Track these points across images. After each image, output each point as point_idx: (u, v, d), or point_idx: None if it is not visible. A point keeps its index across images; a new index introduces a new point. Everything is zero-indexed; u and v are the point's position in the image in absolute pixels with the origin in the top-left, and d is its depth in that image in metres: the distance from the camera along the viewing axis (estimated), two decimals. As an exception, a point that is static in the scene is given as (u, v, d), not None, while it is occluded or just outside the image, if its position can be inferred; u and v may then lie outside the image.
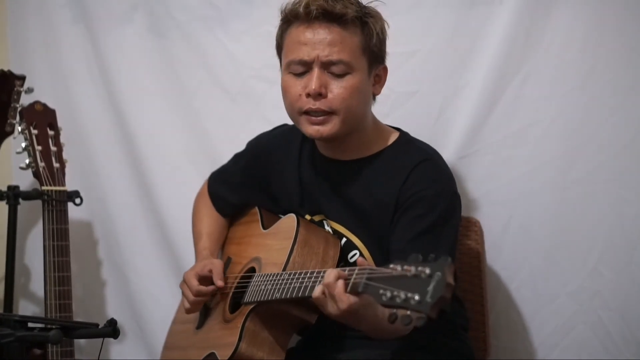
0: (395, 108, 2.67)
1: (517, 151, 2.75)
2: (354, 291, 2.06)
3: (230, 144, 3.06)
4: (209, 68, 3.25)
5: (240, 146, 2.84)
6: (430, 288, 1.84)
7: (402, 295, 1.87)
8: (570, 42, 2.66)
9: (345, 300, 2.08)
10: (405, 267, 1.90)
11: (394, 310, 1.89)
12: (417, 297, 1.85)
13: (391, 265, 1.93)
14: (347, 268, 2.12)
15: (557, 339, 2.72)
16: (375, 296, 1.93)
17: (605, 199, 2.64)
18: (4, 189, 3.15)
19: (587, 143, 2.66)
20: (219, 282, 2.60)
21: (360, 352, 2.48)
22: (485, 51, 2.76)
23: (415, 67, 2.80)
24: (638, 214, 2.60)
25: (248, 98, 3.20)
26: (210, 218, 2.83)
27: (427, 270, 1.86)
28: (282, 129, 2.74)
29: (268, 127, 2.82)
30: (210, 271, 2.61)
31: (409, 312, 1.86)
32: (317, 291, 2.16)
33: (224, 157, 2.93)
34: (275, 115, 2.98)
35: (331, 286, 2.10)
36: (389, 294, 1.90)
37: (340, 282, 2.09)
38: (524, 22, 2.70)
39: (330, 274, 2.12)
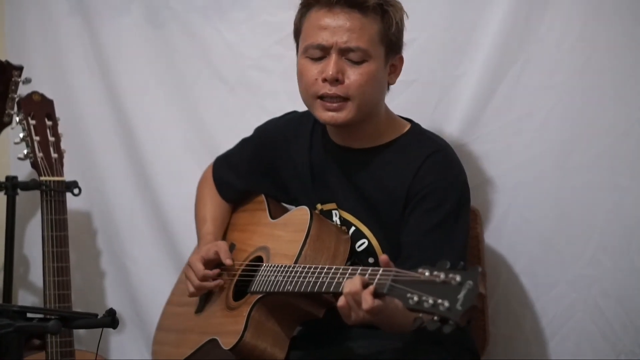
0: (393, 97, 2.66)
1: (515, 140, 2.75)
2: (378, 292, 2.05)
3: (228, 133, 3.06)
4: (206, 58, 3.25)
5: (239, 135, 2.84)
6: (461, 296, 1.84)
7: (430, 300, 1.87)
8: (568, 30, 2.66)
9: (370, 302, 2.06)
10: (435, 272, 1.89)
11: (420, 315, 1.89)
12: (446, 304, 1.84)
13: (419, 270, 1.92)
14: (370, 269, 2.11)
15: (556, 327, 2.72)
16: (402, 299, 1.93)
17: (603, 186, 2.64)
18: (2, 179, 3.15)
19: (585, 131, 2.66)
20: (228, 261, 2.60)
21: (364, 341, 2.49)
22: (483, 40, 2.76)
23: (413, 56, 2.78)
24: (636, 202, 2.60)
25: (246, 88, 3.19)
26: (214, 203, 2.82)
27: (458, 278, 1.86)
28: (291, 116, 2.73)
29: (266, 117, 2.82)
30: (216, 253, 2.61)
31: (435, 318, 1.85)
32: (342, 300, 2.13)
33: (222, 147, 2.93)
34: (273, 104, 2.99)
35: (358, 293, 2.08)
36: (416, 298, 1.89)
37: (369, 295, 2.06)
38: (522, 11, 2.69)
39: (356, 281, 2.09)
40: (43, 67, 3.41)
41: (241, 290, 2.55)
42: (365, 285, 2.08)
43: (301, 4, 2.47)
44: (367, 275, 2.10)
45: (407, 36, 2.52)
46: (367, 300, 2.06)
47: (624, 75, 2.61)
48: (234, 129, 3.04)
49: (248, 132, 2.82)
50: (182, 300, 2.75)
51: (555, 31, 2.67)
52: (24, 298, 3.49)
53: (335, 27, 2.39)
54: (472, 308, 1.83)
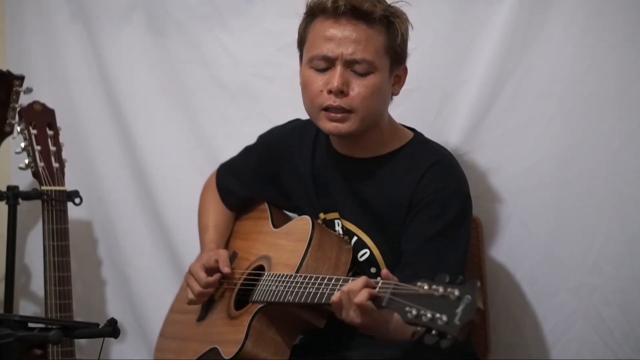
0: (395, 105, 2.66)
1: (516, 147, 2.75)
2: (377, 304, 2.06)
3: (229, 141, 3.07)
4: (207, 66, 3.25)
5: (240, 144, 2.84)
6: (459, 310, 1.84)
7: (429, 314, 1.87)
8: (569, 37, 2.65)
9: (364, 297, 2.07)
10: (434, 286, 1.90)
11: (418, 328, 1.89)
12: (444, 318, 1.85)
13: (418, 283, 1.93)
14: (372, 281, 2.12)
15: (558, 335, 2.71)
16: (401, 312, 1.93)
17: (604, 194, 2.63)
18: (4, 189, 3.15)
19: (587, 139, 2.66)
20: (226, 269, 2.60)
21: (365, 351, 2.49)
22: (484, 47, 2.76)
23: (414, 64, 2.77)
24: (637, 209, 2.59)
25: (247, 96, 3.19)
26: (217, 211, 2.82)
27: (456, 292, 1.86)
28: (295, 124, 2.72)
29: (267, 125, 2.82)
30: (216, 261, 2.61)
31: (433, 332, 1.85)
32: (336, 296, 2.16)
33: (223, 155, 2.93)
34: (274, 112, 2.99)
35: (355, 293, 2.10)
36: (414, 312, 1.90)
37: (366, 292, 2.08)
38: (523, 18, 2.69)
39: (359, 281, 2.11)
40: (44, 77, 3.41)
41: (243, 299, 2.55)
42: (367, 287, 2.09)
43: (306, 12, 2.46)
44: None
45: (409, 45, 2.52)
46: (362, 295, 2.07)
47: (625, 82, 2.61)
48: (235, 136, 3.05)
49: (249, 140, 2.82)
50: (184, 308, 2.75)
51: (557, 38, 2.67)
52: (25, 308, 3.49)
53: (341, 38, 2.38)
54: (470, 323, 1.83)
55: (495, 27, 2.74)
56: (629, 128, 2.61)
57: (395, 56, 2.44)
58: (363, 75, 2.39)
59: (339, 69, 2.38)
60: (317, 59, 2.41)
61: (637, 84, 2.59)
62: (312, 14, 2.44)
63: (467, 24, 2.79)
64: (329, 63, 2.40)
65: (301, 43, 2.49)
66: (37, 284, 3.44)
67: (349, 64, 2.39)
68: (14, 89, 2.98)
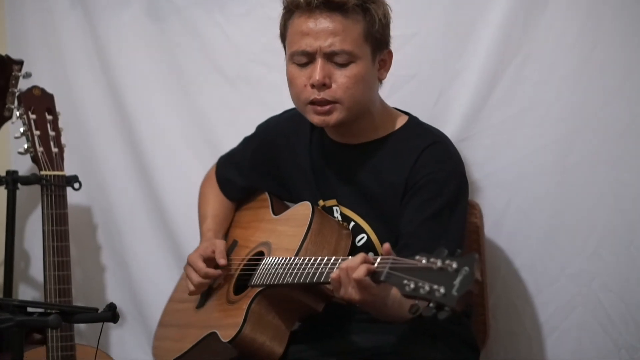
0: (394, 91, 2.66)
1: (515, 134, 2.74)
2: (375, 279, 2.06)
3: (228, 128, 3.07)
4: (207, 52, 3.25)
5: (239, 130, 2.84)
6: (457, 282, 1.85)
7: (427, 287, 1.88)
8: (568, 25, 2.65)
9: (362, 273, 2.08)
10: (432, 259, 1.91)
11: (416, 302, 1.90)
12: (442, 290, 1.86)
13: (416, 257, 1.94)
14: (370, 257, 2.12)
15: (557, 322, 2.72)
16: (399, 286, 1.94)
17: (604, 181, 2.63)
18: (3, 174, 3.15)
19: (586, 126, 2.66)
20: (222, 261, 2.60)
21: (364, 336, 2.50)
22: (484, 34, 2.76)
23: (414, 50, 2.79)
24: (637, 197, 2.59)
25: (246, 82, 3.19)
26: (216, 201, 2.83)
27: (455, 265, 1.87)
28: (292, 113, 2.72)
29: (266, 111, 2.82)
30: (213, 252, 2.62)
31: (431, 305, 1.86)
32: (335, 273, 2.16)
33: (223, 142, 2.93)
34: (273, 99, 2.98)
35: (353, 269, 2.10)
36: (412, 285, 1.91)
37: (364, 267, 2.09)
38: (523, 5, 2.69)
39: (357, 257, 2.12)
40: (43, 62, 3.41)
41: (242, 285, 2.55)
42: (365, 263, 2.10)
43: (283, 9, 2.47)
44: None
45: (407, 31, 2.51)
46: (360, 270, 2.08)
47: (625, 70, 2.60)
48: (235, 123, 3.05)
49: (248, 127, 2.82)
50: (183, 297, 2.76)
51: (557, 25, 2.66)
52: (25, 292, 3.49)
53: (318, 31, 2.39)
54: (468, 293, 1.84)
55: (495, 13, 2.74)
56: (628, 115, 2.61)
57: (376, 42, 2.43)
58: (344, 65, 2.39)
59: (319, 62, 2.39)
60: (297, 55, 2.42)
61: (637, 71, 2.59)
62: (288, 11, 2.46)
63: (467, 10, 2.79)
64: (309, 57, 2.41)
65: (283, 39, 2.51)
66: (37, 269, 3.44)
67: (329, 56, 2.39)
68: (13, 73, 2.98)
